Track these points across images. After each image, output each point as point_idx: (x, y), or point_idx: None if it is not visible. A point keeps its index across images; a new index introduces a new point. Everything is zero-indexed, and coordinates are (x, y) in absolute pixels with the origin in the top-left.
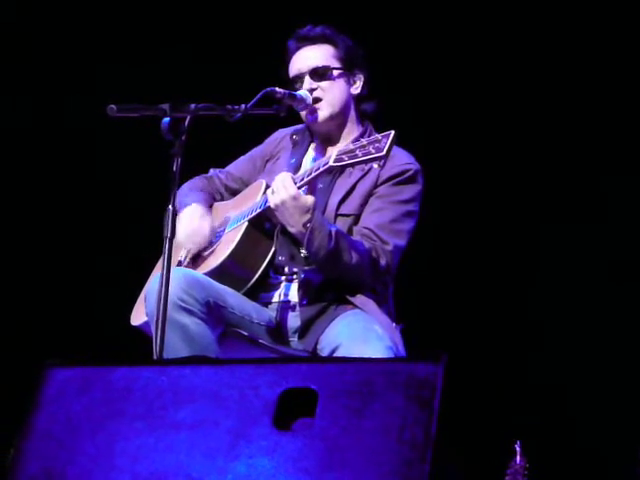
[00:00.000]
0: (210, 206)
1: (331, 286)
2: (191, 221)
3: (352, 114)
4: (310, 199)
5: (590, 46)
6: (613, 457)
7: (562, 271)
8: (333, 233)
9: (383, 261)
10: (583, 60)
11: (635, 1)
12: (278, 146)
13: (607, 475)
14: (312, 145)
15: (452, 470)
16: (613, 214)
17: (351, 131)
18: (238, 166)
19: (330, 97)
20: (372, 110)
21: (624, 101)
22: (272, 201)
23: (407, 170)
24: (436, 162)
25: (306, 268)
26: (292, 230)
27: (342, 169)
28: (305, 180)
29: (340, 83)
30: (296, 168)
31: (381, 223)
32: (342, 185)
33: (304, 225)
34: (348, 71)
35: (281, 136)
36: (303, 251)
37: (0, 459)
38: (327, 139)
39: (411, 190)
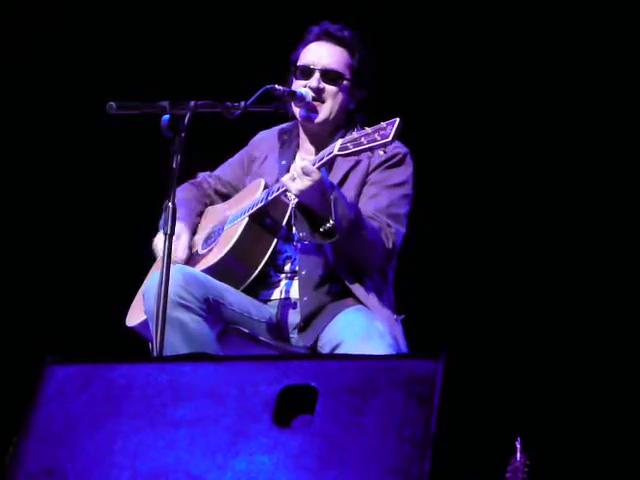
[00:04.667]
0: (200, 214)
1: (332, 277)
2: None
3: (342, 124)
4: (325, 177)
5: (597, 53)
6: (615, 453)
7: (565, 264)
8: (352, 204)
9: (390, 241)
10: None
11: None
12: (262, 148)
13: (608, 471)
14: (298, 150)
15: (452, 467)
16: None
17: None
18: (226, 170)
19: (332, 104)
20: (361, 121)
21: None
22: (295, 187)
23: (396, 154)
24: (439, 152)
25: (327, 241)
26: (316, 207)
27: (331, 166)
28: None
29: (344, 94)
30: (287, 170)
31: (379, 208)
32: (334, 180)
33: (327, 200)
34: (354, 84)
35: (265, 138)
36: (321, 228)
37: (0, 457)
38: (314, 141)
39: (403, 173)
